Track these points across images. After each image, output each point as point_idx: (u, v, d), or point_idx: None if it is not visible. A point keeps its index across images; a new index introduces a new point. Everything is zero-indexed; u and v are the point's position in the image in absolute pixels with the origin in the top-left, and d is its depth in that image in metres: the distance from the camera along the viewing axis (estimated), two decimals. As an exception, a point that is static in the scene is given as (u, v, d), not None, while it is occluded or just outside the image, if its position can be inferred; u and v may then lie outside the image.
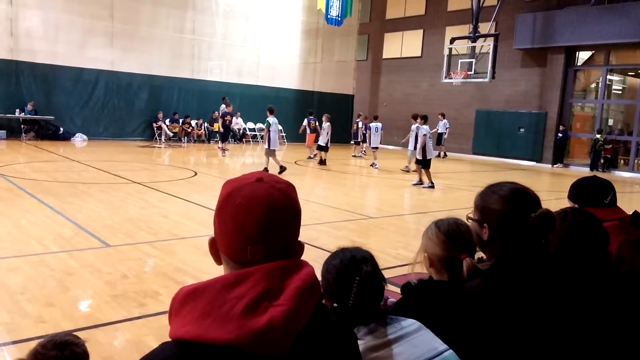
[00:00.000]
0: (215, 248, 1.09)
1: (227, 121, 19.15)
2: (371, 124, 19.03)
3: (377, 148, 18.50)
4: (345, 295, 1.59)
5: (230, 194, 1.05)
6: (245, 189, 1.04)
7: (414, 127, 14.20)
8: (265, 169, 13.24)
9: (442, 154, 23.99)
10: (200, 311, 0.95)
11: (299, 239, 1.11)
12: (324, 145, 17.20)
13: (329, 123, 17.51)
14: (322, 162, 16.91)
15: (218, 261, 1.11)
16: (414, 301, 1.94)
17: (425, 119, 13.69)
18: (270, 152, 13.88)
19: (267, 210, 1.02)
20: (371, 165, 17.73)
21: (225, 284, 0.97)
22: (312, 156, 18.74)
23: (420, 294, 1.95)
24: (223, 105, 19.48)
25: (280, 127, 16.59)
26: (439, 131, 23.90)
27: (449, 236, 1.95)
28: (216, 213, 1.07)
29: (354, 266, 1.63)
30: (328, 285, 1.65)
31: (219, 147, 19.44)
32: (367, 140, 19.71)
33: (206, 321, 0.93)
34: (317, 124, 19.09)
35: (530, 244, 1.73)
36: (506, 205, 1.76)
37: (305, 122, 19.93)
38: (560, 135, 22.31)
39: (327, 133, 17.30)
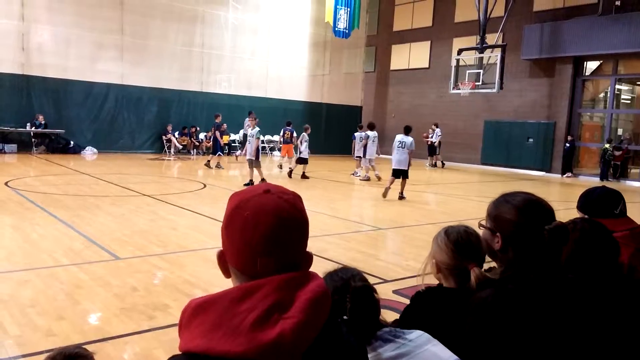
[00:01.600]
0: (224, 261, 1.09)
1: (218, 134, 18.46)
2: (355, 134, 18.25)
3: (360, 157, 17.86)
4: (340, 315, 1.58)
5: (237, 207, 1.05)
6: (253, 201, 1.04)
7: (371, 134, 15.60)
8: (262, 180, 13.08)
9: (438, 163, 23.97)
10: (210, 324, 0.95)
11: (308, 250, 1.10)
12: (305, 157, 16.27)
13: (304, 134, 16.63)
14: (304, 175, 15.99)
15: (227, 274, 1.10)
16: (422, 308, 1.94)
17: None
18: (258, 164, 13.73)
19: (276, 221, 1.01)
20: (352, 174, 17.57)
21: (235, 297, 0.97)
22: (280, 167, 18.26)
23: (429, 301, 1.95)
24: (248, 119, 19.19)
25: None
26: (432, 140, 23.82)
27: (458, 245, 1.95)
28: (224, 226, 1.07)
29: (344, 285, 1.63)
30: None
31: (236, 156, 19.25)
32: (352, 150, 18.63)
33: (216, 334, 0.93)
34: (292, 134, 18.09)
35: (543, 256, 1.71)
36: (520, 216, 1.75)
37: (282, 132, 19.27)
38: (567, 145, 22.20)
39: (305, 144, 16.49)
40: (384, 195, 12.36)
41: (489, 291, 1.70)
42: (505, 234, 1.77)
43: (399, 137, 12.85)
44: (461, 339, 1.66)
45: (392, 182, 12.58)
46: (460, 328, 1.69)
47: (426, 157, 24.60)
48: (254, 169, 13.66)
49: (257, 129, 13.73)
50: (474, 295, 1.75)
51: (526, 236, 1.72)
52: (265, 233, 1.01)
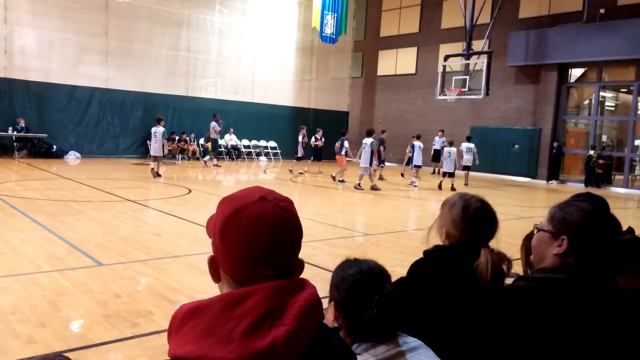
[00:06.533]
0: (215, 266, 1.06)
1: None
2: (415, 143, 18.22)
3: (420, 167, 18.08)
4: (358, 311, 1.53)
5: (234, 214, 1.01)
6: (250, 209, 1.01)
7: (367, 141, 15.62)
8: (155, 172, 15.31)
9: (437, 170, 24.03)
10: (201, 330, 0.92)
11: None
12: (452, 172, 17.08)
13: (453, 148, 17.33)
14: (452, 187, 16.33)
15: (217, 279, 1.07)
16: (433, 263, 1.95)
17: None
18: (152, 158, 15.84)
19: (275, 232, 0.99)
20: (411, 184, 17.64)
21: (227, 303, 0.95)
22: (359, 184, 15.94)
23: (439, 257, 1.95)
24: (214, 122, 19.65)
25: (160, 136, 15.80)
26: (434, 147, 23.82)
27: (473, 223, 1.91)
28: (218, 233, 1.03)
29: (373, 282, 1.56)
30: (338, 294, 1.58)
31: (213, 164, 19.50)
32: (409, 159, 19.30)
33: (208, 340, 0.91)
34: (343, 143, 17.55)
35: (605, 264, 1.68)
36: (589, 220, 1.71)
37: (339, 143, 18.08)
38: (555, 151, 22.39)
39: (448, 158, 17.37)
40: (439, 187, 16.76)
41: (534, 285, 1.67)
42: (572, 237, 1.71)
43: (465, 144, 18.44)
44: (490, 318, 1.63)
45: (467, 175, 18.45)
46: (491, 306, 1.65)
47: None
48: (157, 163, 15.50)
49: (163, 129, 15.63)
50: (515, 282, 1.72)
51: (591, 242, 1.68)
52: (265, 243, 0.98)
